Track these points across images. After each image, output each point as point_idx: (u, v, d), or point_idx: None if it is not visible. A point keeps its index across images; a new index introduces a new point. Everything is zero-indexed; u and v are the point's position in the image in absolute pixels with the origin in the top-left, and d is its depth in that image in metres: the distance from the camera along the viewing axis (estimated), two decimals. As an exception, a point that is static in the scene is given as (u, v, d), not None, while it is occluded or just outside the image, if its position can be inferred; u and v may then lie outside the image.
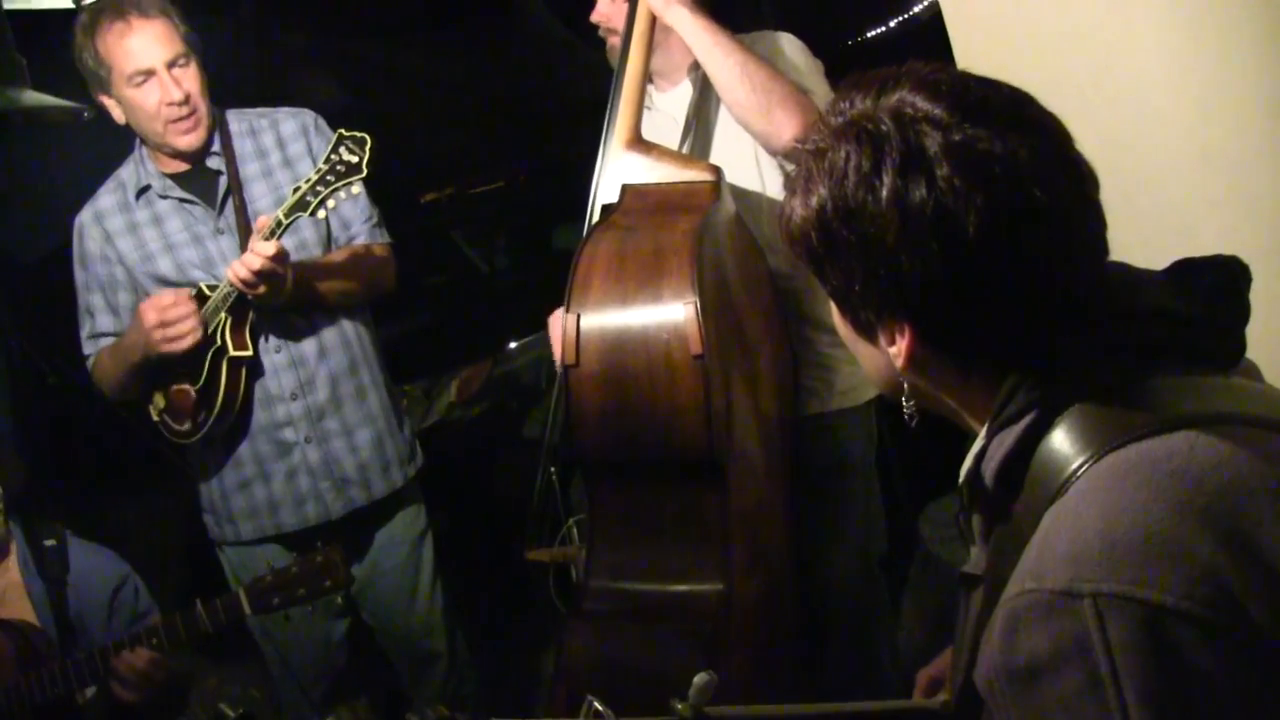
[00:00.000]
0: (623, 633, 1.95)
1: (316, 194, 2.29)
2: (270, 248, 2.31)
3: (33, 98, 2.75)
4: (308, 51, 4.53)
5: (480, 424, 3.93)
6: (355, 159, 2.27)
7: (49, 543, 2.47)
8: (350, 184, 2.28)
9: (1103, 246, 1.01)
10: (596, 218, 2.12)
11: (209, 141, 2.56)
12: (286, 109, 2.70)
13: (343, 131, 2.31)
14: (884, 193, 0.96)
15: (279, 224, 2.32)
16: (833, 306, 1.11)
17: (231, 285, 2.36)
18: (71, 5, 3.04)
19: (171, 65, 2.46)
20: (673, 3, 2.15)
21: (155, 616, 2.41)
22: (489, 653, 3.11)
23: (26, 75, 2.76)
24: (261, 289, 2.35)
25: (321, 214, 2.32)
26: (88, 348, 2.64)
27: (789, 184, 1.07)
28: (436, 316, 4.67)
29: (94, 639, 2.37)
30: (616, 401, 1.86)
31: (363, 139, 2.29)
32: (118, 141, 2.66)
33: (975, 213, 0.93)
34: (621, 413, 1.87)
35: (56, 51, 2.64)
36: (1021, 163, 0.94)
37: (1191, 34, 1.83)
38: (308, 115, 2.68)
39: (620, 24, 2.29)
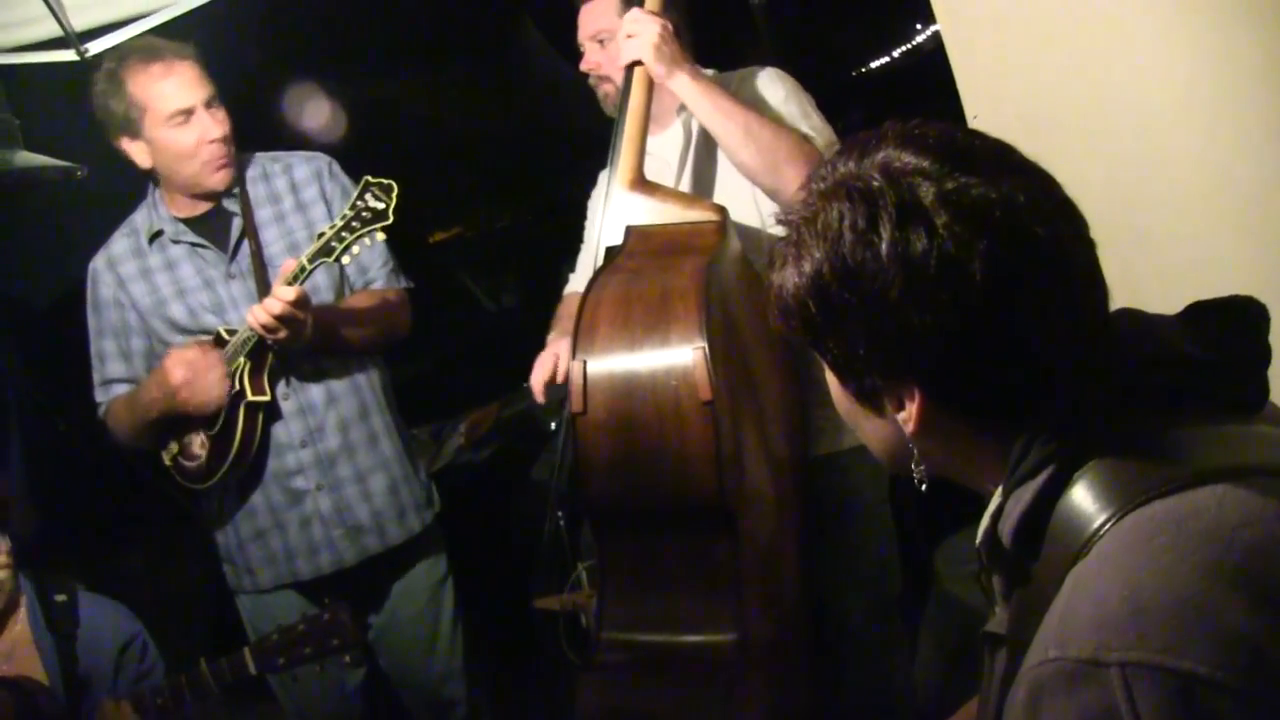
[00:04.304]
0: (636, 685, 1.91)
1: (341, 240, 2.29)
2: (290, 293, 2.31)
3: (25, 158, 2.76)
4: (314, 93, 4.56)
5: (490, 466, 3.91)
6: (381, 205, 2.27)
7: (59, 598, 2.46)
8: (375, 230, 2.28)
9: (1103, 285, 0.99)
10: (600, 261, 2.10)
11: (232, 182, 2.56)
12: (300, 153, 2.70)
13: (369, 178, 2.31)
14: (884, 248, 0.94)
15: (302, 269, 2.32)
16: (832, 379, 1.08)
17: (252, 330, 2.35)
18: (75, 57, 3.06)
19: (209, 105, 2.48)
20: (675, 71, 2.16)
21: (160, 674, 2.38)
22: (505, 701, 3.07)
23: (19, 136, 2.77)
24: (282, 334, 2.34)
25: (346, 260, 2.32)
26: (99, 394, 2.62)
27: (775, 257, 1.04)
28: (445, 358, 4.66)
29: (97, 696, 2.35)
30: (625, 449, 1.83)
31: (389, 185, 2.29)
32: (130, 188, 2.66)
33: (980, 258, 0.91)
34: (630, 461, 1.83)
35: (52, 110, 2.64)
36: (1019, 205, 0.93)
37: (1196, 62, 1.82)
38: (321, 160, 2.68)
39: (609, 71, 2.29)
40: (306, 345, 2.44)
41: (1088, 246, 0.98)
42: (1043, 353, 0.94)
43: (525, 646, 2.89)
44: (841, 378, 1.06)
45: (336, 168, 2.68)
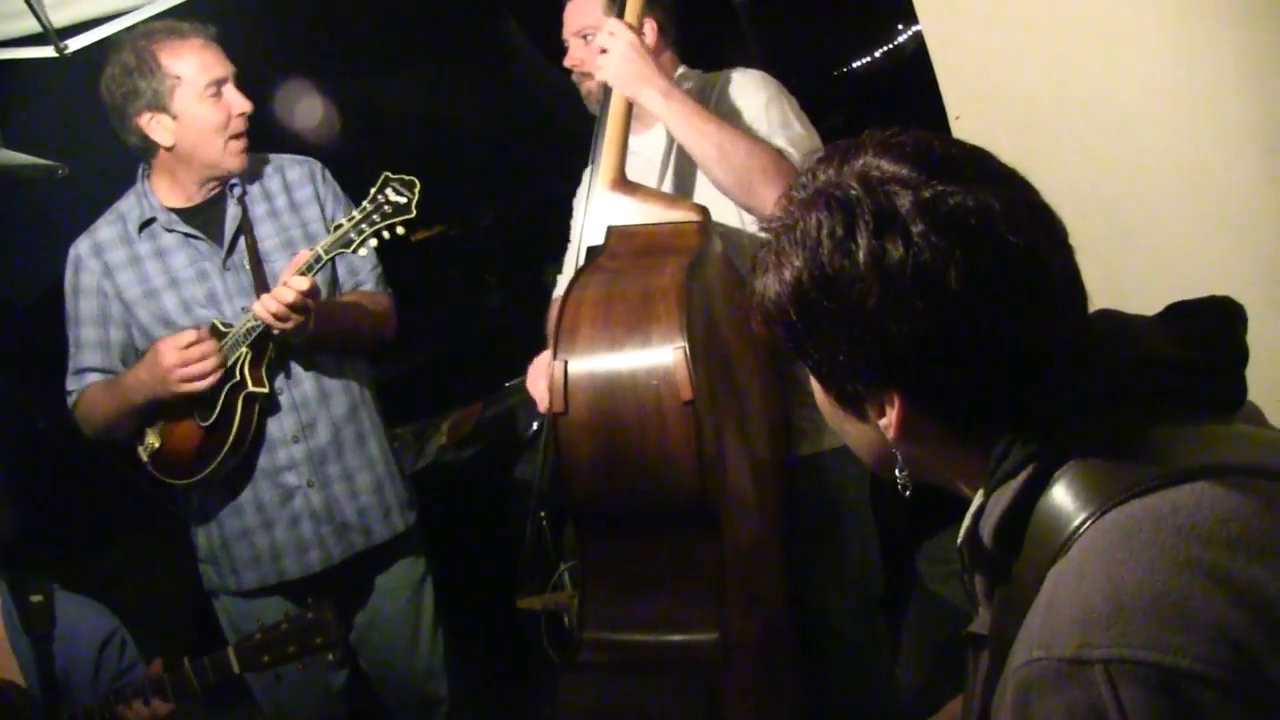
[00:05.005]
0: (618, 685, 1.91)
1: (360, 232, 2.31)
2: (304, 283, 2.32)
3: (4, 156, 2.73)
4: (296, 92, 4.54)
5: (472, 466, 3.90)
6: (404, 200, 2.30)
7: (35, 599, 2.42)
8: (395, 224, 2.30)
9: (1081, 289, 1.00)
10: (582, 260, 2.10)
11: (244, 169, 2.56)
12: (290, 156, 2.70)
13: (388, 174, 2.32)
14: (861, 256, 0.94)
15: (318, 259, 2.33)
16: (815, 384, 1.09)
17: (259, 319, 2.35)
18: (54, 53, 3.04)
19: (234, 81, 2.50)
20: (644, 90, 2.14)
21: (140, 672, 2.36)
22: (487, 699, 3.06)
23: (-1, 134, 2.76)
24: (290, 324, 2.35)
25: (363, 252, 2.34)
26: (71, 383, 2.58)
27: (757, 265, 1.05)
28: (428, 357, 4.65)
29: (79, 696, 2.33)
30: (606, 450, 1.83)
31: (411, 181, 2.31)
32: (113, 186, 2.64)
33: (955, 266, 0.92)
34: (612, 461, 1.83)
35: (30, 107, 2.62)
36: (995, 213, 0.94)
37: (1179, 66, 1.83)
38: (314, 164, 2.69)
39: (593, 68, 2.29)
40: (307, 338, 2.44)
41: (1066, 253, 0.98)
42: (1020, 360, 0.95)
43: (508, 646, 2.88)
44: (824, 383, 1.07)
45: (328, 173, 2.70)
